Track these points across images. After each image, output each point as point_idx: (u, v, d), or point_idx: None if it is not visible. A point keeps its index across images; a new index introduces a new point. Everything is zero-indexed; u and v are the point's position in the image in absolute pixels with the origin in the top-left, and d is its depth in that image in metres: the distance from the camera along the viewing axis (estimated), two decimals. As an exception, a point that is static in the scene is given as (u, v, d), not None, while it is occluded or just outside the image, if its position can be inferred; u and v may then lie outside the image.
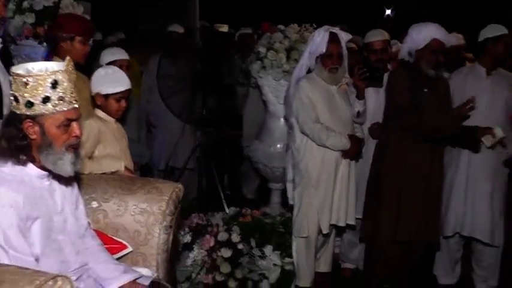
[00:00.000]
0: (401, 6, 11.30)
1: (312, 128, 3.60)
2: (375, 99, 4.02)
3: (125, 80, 3.16)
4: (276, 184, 4.71)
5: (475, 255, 4.20)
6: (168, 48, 5.45)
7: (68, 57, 2.09)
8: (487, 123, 3.88)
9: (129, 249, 2.63)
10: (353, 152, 3.67)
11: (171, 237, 2.72)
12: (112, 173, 3.05)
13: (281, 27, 4.47)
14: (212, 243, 4.07)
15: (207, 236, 4.11)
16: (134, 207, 2.67)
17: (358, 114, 3.84)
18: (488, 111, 3.93)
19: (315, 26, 4.13)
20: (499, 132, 3.75)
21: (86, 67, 3.46)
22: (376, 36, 4.22)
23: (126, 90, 3.14)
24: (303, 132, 3.67)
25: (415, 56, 3.77)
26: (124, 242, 2.63)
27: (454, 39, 5.16)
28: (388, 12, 10.11)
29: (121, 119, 3.29)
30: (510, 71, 4.22)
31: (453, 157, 4.04)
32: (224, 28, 8.61)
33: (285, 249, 4.00)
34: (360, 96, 3.83)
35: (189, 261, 4.02)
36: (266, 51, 4.36)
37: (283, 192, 4.38)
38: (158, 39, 6.31)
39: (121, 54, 4.12)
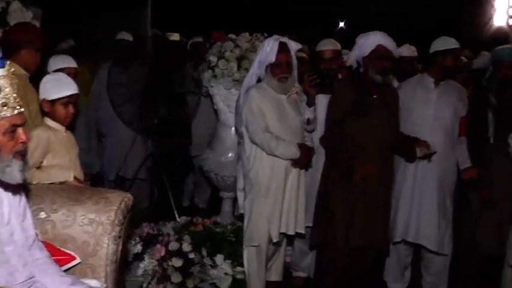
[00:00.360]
0: (354, 19, 11.56)
1: (261, 137, 3.62)
2: (324, 107, 4.06)
3: (71, 85, 3.11)
4: (227, 193, 4.71)
5: (424, 262, 4.29)
6: (118, 56, 5.39)
7: (8, 62, 2.04)
8: (434, 132, 3.99)
9: (78, 260, 2.59)
10: (303, 161, 3.70)
11: (120, 248, 2.69)
12: (61, 183, 3.00)
13: (232, 36, 4.50)
14: (163, 253, 4.05)
15: (158, 246, 4.08)
16: (83, 217, 2.64)
17: (308, 121, 3.87)
18: (436, 121, 4.04)
19: (266, 35, 4.15)
20: (432, 148, 3.86)
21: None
22: (327, 45, 4.29)
23: (73, 95, 3.09)
24: (252, 142, 3.68)
25: (363, 63, 3.86)
26: (72, 253, 2.59)
27: (407, 50, 5.33)
28: (341, 24, 10.35)
29: (70, 127, 3.24)
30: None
31: (401, 165, 4.13)
32: (176, 36, 8.59)
33: (236, 258, 4.02)
34: (310, 103, 3.86)
35: (139, 272, 3.98)
36: (217, 60, 4.37)
37: (235, 201, 4.38)
38: (108, 47, 6.24)
39: (69, 62, 4.06)
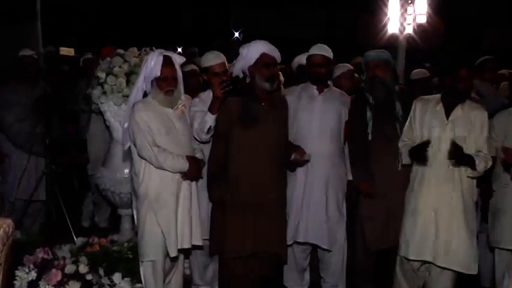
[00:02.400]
0: (250, 29, 11.74)
1: (149, 151, 3.58)
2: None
3: None
4: (125, 210, 4.62)
5: (322, 263, 4.40)
6: (22, 74, 5.21)
7: None
8: (319, 137, 4.15)
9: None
10: (192, 173, 3.70)
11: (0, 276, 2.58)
12: None
13: (120, 51, 4.44)
14: (59, 277, 3.96)
15: (54, 270, 3.98)
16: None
17: (209, 130, 3.86)
18: (321, 127, 4.19)
19: (154, 49, 4.12)
20: (307, 156, 3.97)
21: None
22: (216, 59, 4.20)
23: None
24: (140, 157, 3.64)
25: (249, 72, 3.93)
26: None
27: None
28: (236, 34, 10.47)
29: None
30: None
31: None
32: (70, 52, 8.38)
33: (135, 274, 3.95)
34: (214, 110, 3.85)
35: (36, 299, 3.83)
36: (106, 76, 4.30)
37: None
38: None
39: None
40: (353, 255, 4.40)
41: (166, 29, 12.96)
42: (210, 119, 3.85)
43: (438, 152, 3.76)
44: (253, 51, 3.89)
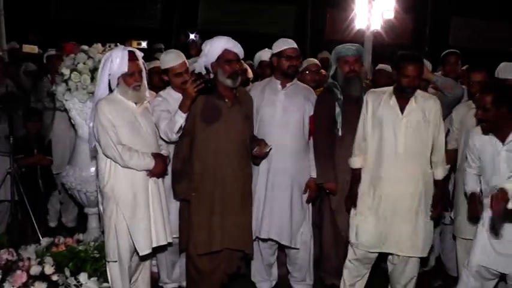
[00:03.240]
0: (217, 25, 11.69)
1: (114, 150, 3.53)
2: None
3: None
4: (92, 209, 4.59)
5: (289, 258, 4.41)
6: None
7: None
8: (281, 132, 4.13)
9: None
10: (158, 170, 3.66)
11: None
12: None
13: (84, 47, 4.37)
14: (24, 279, 3.88)
15: (19, 272, 3.90)
16: None
17: (180, 129, 3.79)
18: (283, 121, 4.16)
19: (117, 45, 4.07)
20: (269, 147, 3.96)
21: None
22: (177, 59, 4.16)
23: None
24: (105, 155, 3.59)
25: (212, 68, 3.90)
26: None
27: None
28: (192, 36, 10.44)
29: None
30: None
31: (255, 166, 4.19)
32: (34, 50, 8.22)
33: (102, 274, 3.92)
34: (184, 109, 3.77)
35: (0, 302, 3.76)
36: (70, 73, 4.24)
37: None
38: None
39: None
40: (320, 248, 4.41)
41: (133, 25, 12.85)
42: (181, 118, 3.76)
43: (394, 148, 3.76)
44: (216, 47, 3.87)
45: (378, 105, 3.83)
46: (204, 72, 3.94)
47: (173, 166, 3.88)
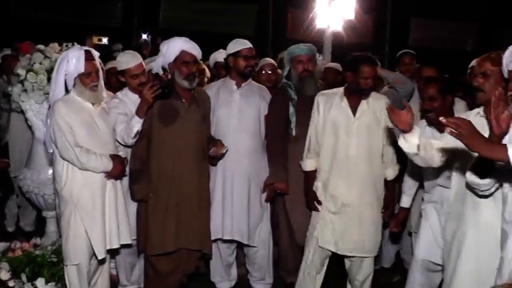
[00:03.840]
0: (178, 24, 11.61)
1: (71, 152, 3.48)
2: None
3: None
4: (50, 212, 4.50)
5: (248, 258, 4.42)
6: None
7: None
8: (238, 132, 4.14)
9: None
10: (116, 172, 3.63)
11: None
12: None
13: (41, 47, 4.28)
14: (-21, 285, 3.75)
15: (-27, 278, 3.77)
16: None
17: (137, 134, 3.77)
18: (239, 121, 4.18)
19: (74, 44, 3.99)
20: (225, 148, 3.98)
21: None
22: (134, 61, 4.10)
23: None
24: (62, 158, 3.53)
25: (169, 69, 3.89)
26: None
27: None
28: (144, 36, 10.37)
29: None
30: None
31: (213, 167, 4.18)
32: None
33: (60, 278, 3.83)
34: (141, 114, 3.74)
35: (-47, 309, 3.64)
36: (26, 73, 4.15)
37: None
38: None
39: None
40: (278, 247, 4.43)
41: (95, 24, 12.67)
42: (138, 124, 3.74)
43: (346, 150, 3.78)
44: (173, 48, 3.85)
45: (330, 107, 3.85)
46: (161, 72, 3.92)
47: (131, 166, 3.84)
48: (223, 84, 4.32)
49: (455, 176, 3.10)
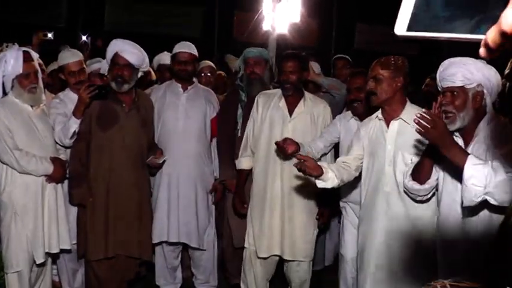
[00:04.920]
0: (124, 27, 11.46)
1: (10, 156, 3.42)
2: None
3: None
4: None
5: (193, 261, 4.42)
6: None
7: None
8: (184, 135, 4.14)
9: None
10: (57, 175, 3.58)
11: None
12: None
13: (-21, 48, 4.15)
14: None
15: None
16: None
17: (74, 134, 3.71)
18: (185, 124, 4.18)
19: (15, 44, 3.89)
20: (163, 157, 3.98)
21: None
22: (73, 57, 4.07)
23: None
24: (2, 161, 3.45)
25: (108, 72, 3.88)
26: None
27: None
28: (84, 38, 10.28)
29: None
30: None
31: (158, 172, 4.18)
32: None
33: (0, 286, 3.71)
34: (78, 114, 3.70)
35: None
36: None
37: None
38: None
39: None
40: (222, 249, 4.44)
41: (38, 23, 12.36)
42: (75, 124, 3.71)
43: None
44: (109, 50, 3.86)
45: (268, 107, 3.88)
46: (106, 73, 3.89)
47: (70, 169, 3.78)
48: (169, 87, 4.31)
49: (366, 179, 3.21)
